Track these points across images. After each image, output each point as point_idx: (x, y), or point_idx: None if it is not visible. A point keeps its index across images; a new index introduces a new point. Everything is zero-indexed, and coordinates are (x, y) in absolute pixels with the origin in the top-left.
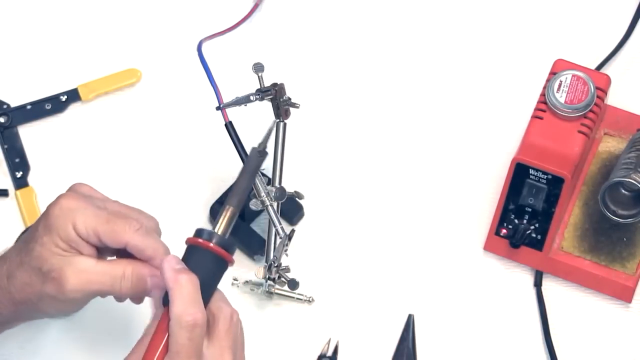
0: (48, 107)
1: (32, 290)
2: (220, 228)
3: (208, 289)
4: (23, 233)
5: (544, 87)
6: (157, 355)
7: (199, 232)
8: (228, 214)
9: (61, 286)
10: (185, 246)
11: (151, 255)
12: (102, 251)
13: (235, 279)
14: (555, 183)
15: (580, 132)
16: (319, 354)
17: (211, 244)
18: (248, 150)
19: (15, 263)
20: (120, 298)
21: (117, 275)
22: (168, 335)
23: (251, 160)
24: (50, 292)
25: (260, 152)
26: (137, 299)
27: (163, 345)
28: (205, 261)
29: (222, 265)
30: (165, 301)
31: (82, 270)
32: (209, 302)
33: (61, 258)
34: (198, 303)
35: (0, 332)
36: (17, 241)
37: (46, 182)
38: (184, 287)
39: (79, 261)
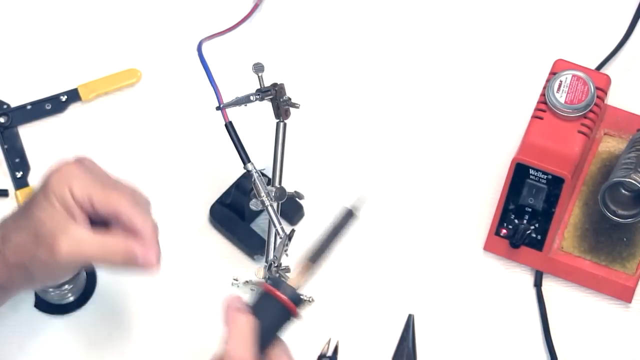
0: (48, 107)
1: (26, 253)
2: (295, 281)
3: (268, 336)
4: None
5: (544, 87)
6: None
7: (275, 282)
8: (306, 269)
9: (54, 253)
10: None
11: (140, 229)
12: (93, 222)
13: (235, 279)
14: (555, 183)
15: (580, 132)
16: (319, 354)
17: (283, 296)
18: (248, 150)
19: (13, 227)
20: (109, 269)
21: (110, 249)
22: None
23: (340, 219)
24: (42, 257)
25: (351, 213)
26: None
27: None
28: (273, 309)
29: (287, 317)
30: None
31: (77, 240)
32: (267, 348)
33: (58, 224)
34: (250, 345)
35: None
36: (14, 210)
37: None
38: (239, 327)
39: (74, 230)
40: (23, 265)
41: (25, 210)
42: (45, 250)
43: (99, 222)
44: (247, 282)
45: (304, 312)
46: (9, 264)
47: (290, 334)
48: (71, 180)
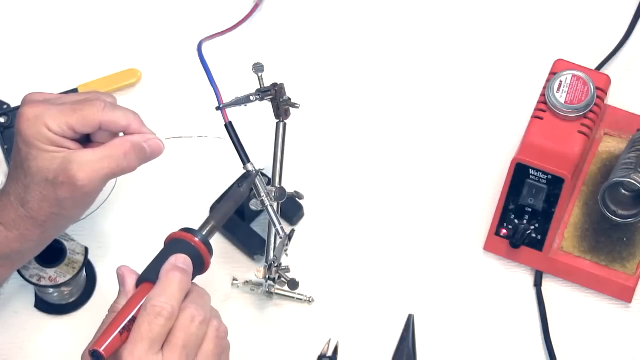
0: None
1: (49, 202)
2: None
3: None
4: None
5: (544, 87)
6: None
7: (188, 230)
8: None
9: (73, 185)
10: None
11: (126, 125)
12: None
13: (235, 279)
14: (555, 183)
15: (580, 132)
16: (319, 354)
17: (197, 239)
18: (248, 150)
19: (21, 190)
20: (129, 172)
21: (118, 155)
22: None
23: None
24: (65, 195)
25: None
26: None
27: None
28: (187, 253)
29: (201, 261)
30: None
31: (85, 163)
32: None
33: (60, 161)
34: (175, 299)
35: (29, 259)
36: (7, 178)
37: None
38: (172, 282)
39: (78, 157)
40: (53, 214)
41: (19, 169)
42: (64, 188)
43: (82, 141)
44: (247, 282)
45: (303, 312)
46: (40, 222)
47: (291, 334)
48: (42, 119)
